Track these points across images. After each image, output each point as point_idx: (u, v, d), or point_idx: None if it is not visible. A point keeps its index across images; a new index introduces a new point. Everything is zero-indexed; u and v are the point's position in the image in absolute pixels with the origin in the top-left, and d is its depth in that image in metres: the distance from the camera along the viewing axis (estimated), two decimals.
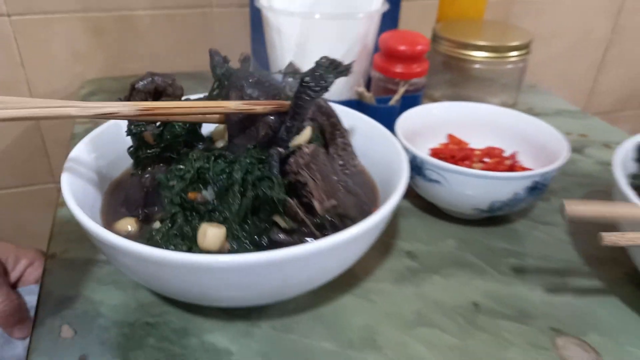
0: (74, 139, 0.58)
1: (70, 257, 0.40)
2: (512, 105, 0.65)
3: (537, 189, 0.41)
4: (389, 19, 0.69)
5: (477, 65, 0.60)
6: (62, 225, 0.44)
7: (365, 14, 0.56)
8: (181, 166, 0.33)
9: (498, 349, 0.34)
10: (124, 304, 0.36)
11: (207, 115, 0.36)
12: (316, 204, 0.31)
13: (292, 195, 0.32)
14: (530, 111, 0.70)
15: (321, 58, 0.34)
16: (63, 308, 0.35)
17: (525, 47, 0.60)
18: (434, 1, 0.75)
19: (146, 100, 0.36)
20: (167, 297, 0.36)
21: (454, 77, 0.63)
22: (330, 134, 0.39)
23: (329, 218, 0.31)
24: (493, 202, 0.41)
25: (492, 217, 0.46)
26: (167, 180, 0.32)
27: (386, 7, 0.59)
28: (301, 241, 0.32)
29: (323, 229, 0.32)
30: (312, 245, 0.27)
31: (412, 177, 0.45)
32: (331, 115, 0.40)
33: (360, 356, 0.33)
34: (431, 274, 0.40)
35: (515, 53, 0.59)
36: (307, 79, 0.32)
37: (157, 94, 0.37)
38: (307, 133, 0.36)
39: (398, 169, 0.36)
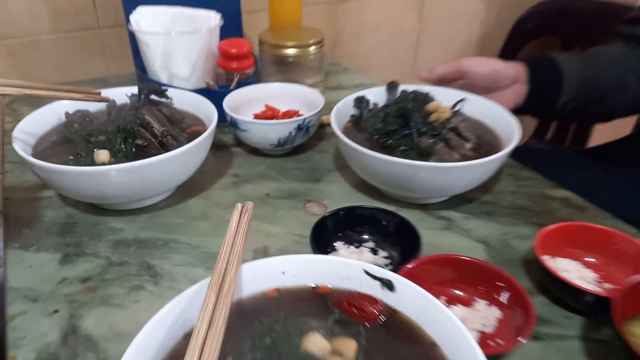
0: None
1: (20, 197, 0.65)
2: (322, 82, 0.96)
3: (302, 128, 0.71)
4: (235, 29, 0.97)
5: (289, 59, 0.90)
6: (9, 188, 0.68)
7: (206, 29, 0.84)
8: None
9: (273, 212, 0.63)
10: (56, 215, 0.61)
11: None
12: (155, 130, 0.59)
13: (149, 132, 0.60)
14: (339, 86, 1.02)
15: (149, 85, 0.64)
16: (22, 222, 0.60)
17: (318, 44, 0.90)
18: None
19: None
20: (86, 208, 0.62)
21: (278, 67, 0.92)
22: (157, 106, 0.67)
23: (166, 138, 0.59)
24: (279, 139, 0.71)
25: (292, 151, 0.76)
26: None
27: (221, 22, 0.87)
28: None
29: (164, 146, 0.60)
30: (156, 157, 0.55)
31: (234, 130, 0.73)
32: (156, 104, 0.68)
33: (197, 222, 0.61)
34: (246, 184, 0.69)
35: (312, 48, 0.89)
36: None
37: None
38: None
39: (212, 122, 0.64)
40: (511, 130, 0.63)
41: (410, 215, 0.62)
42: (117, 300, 0.50)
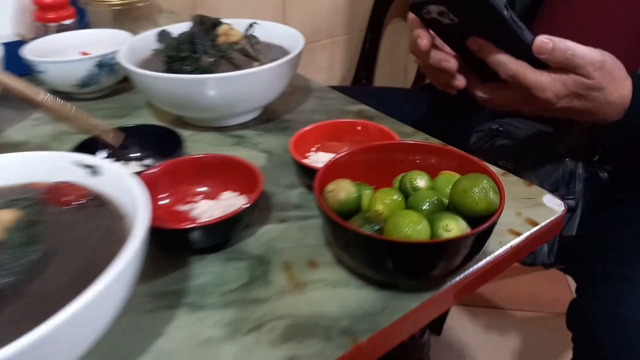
0: None
1: None
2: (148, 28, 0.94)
3: (105, 66, 0.70)
4: None
5: (117, 8, 0.88)
6: None
7: None
8: None
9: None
10: None
11: None
12: None
13: None
14: None
15: None
16: None
17: None
18: None
19: None
20: None
21: (106, 19, 0.90)
22: None
23: None
24: (81, 78, 0.69)
25: (107, 94, 0.74)
26: None
27: None
28: None
29: None
30: None
31: (36, 77, 0.71)
32: None
33: None
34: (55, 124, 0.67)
35: None
36: None
37: None
38: None
39: None
40: (297, 47, 0.64)
41: (206, 137, 0.64)
42: None
